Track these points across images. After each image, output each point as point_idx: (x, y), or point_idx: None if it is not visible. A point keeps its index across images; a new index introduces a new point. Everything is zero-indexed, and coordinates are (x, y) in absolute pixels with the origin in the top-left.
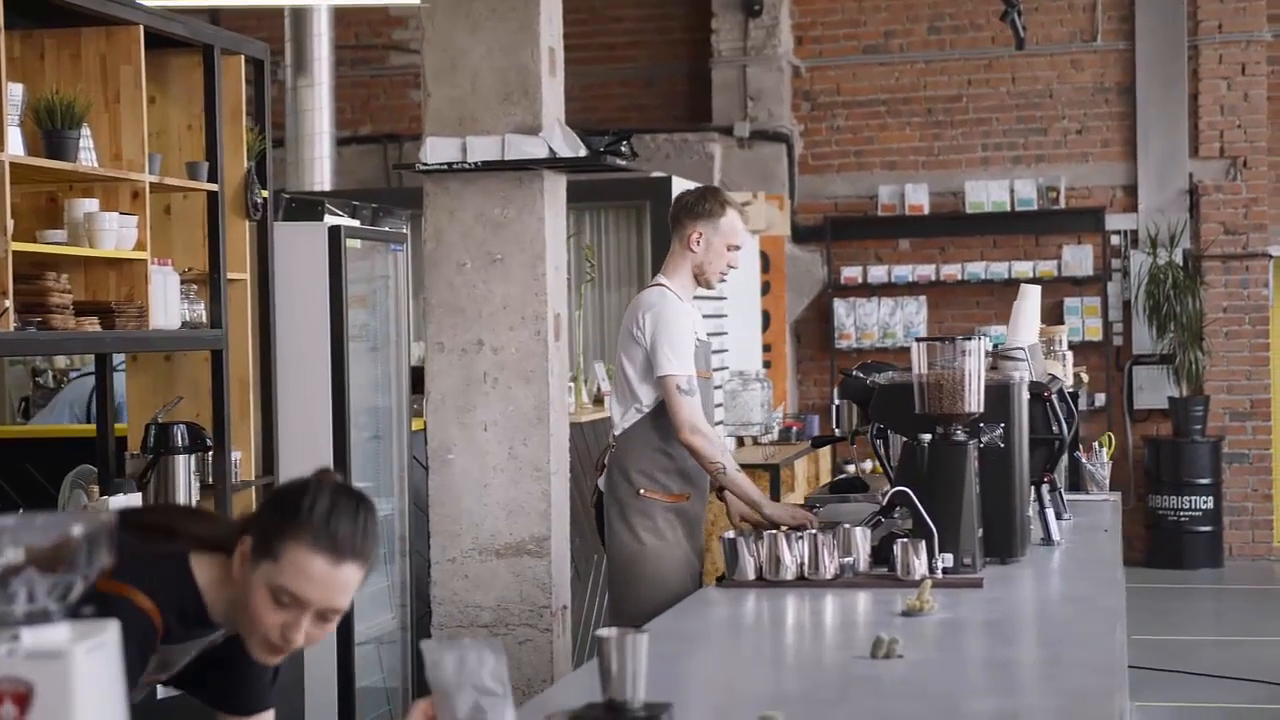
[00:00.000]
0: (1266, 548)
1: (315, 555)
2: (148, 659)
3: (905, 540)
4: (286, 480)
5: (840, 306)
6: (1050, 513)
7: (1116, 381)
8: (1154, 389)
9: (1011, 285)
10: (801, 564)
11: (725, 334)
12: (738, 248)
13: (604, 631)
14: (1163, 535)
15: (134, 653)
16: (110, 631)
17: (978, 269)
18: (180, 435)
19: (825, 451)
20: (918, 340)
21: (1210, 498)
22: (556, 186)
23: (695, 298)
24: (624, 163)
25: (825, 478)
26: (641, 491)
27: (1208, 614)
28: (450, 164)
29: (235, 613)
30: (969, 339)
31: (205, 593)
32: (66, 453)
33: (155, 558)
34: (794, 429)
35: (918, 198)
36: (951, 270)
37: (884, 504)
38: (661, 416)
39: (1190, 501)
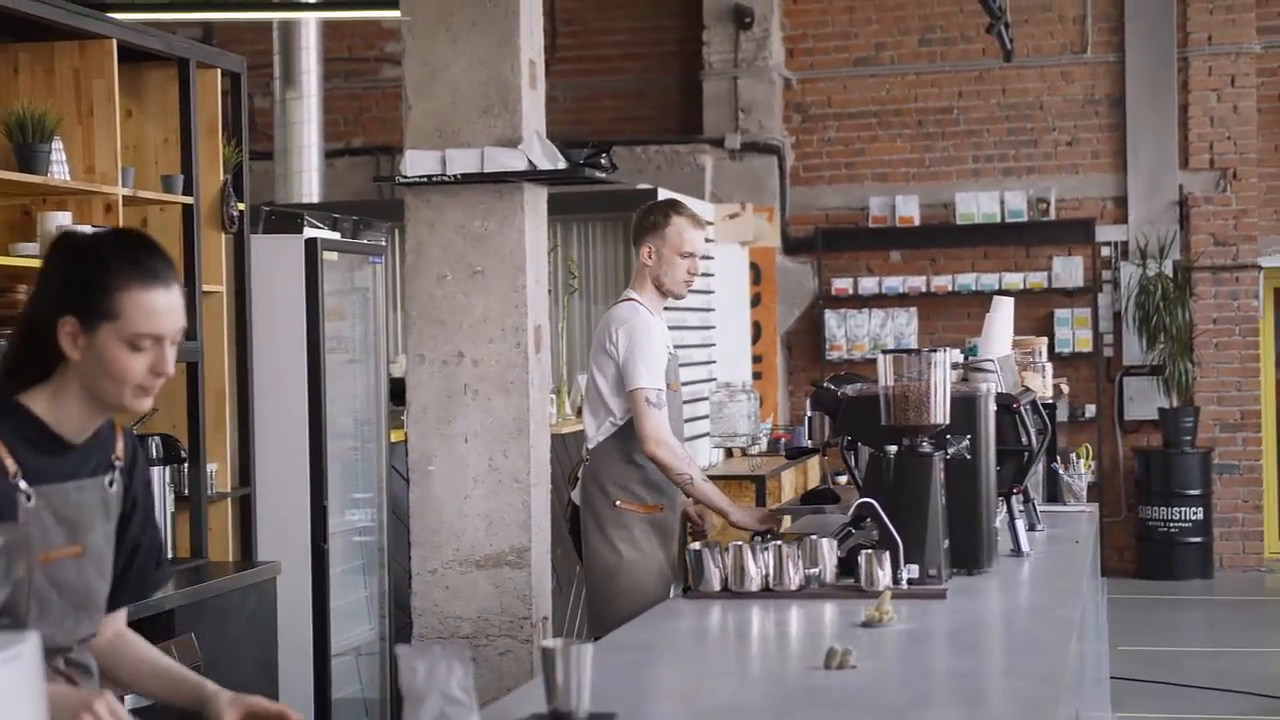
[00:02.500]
0: (1257, 559)
1: (148, 292)
2: (7, 487)
3: (870, 551)
4: (56, 255)
5: (831, 318)
6: (1020, 524)
7: (1107, 393)
8: (1144, 400)
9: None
10: (767, 575)
11: (714, 345)
12: (691, 255)
13: (549, 642)
14: (1153, 546)
15: None
16: (29, 643)
17: (968, 280)
18: (155, 447)
19: (814, 463)
20: (884, 352)
21: (1200, 509)
22: (537, 199)
23: (667, 308)
24: (603, 175)
25: None
26: (617, 504)
27: (1197, 625)
28: (430, 176)
29: (91, 395)
30: (935, 351)
31: (45, 417)
32: None
33: None
34: (783, 440)
35: (908, 209)
36: (942, 282)
37: (851, 515)
38: (634, 429)
39: (1180, 513)
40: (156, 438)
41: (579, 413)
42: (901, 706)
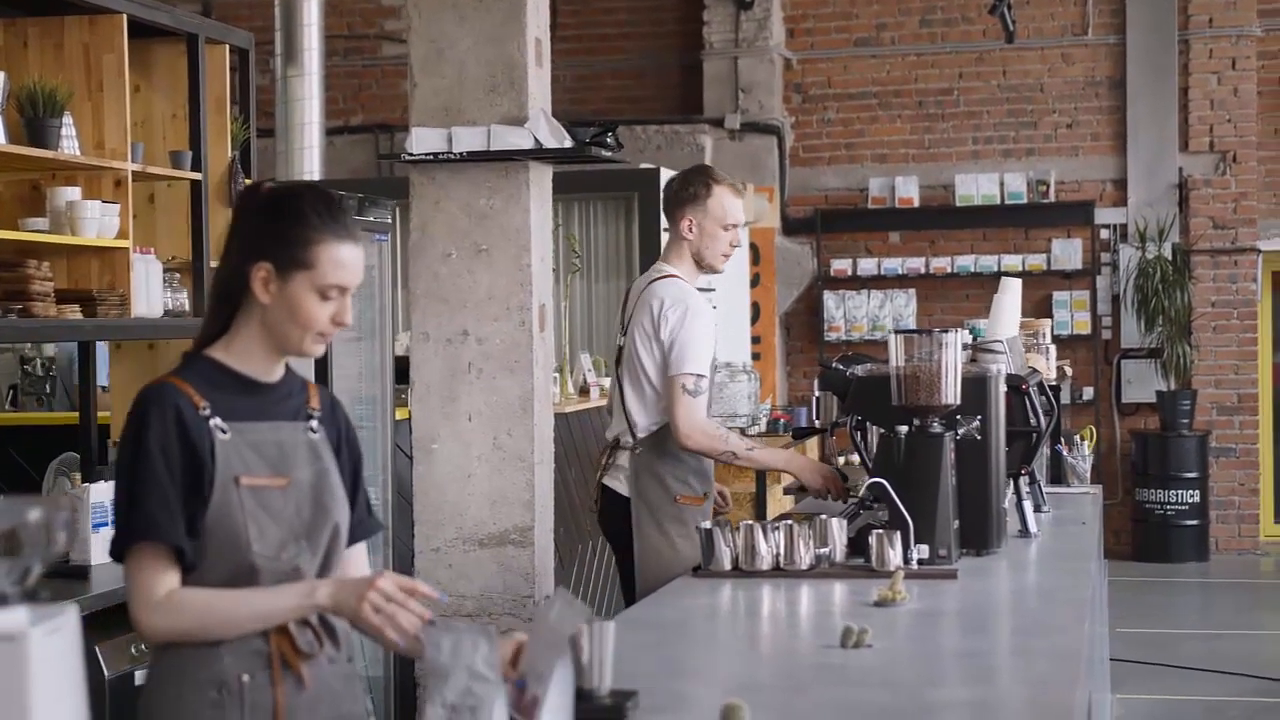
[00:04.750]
0: (1253, 542)
1: (341, 246)
2: (179, 409)
3: (881, 531)
4: (250, 207)
5: (830, 299)
6: (1028, 505)
7: (1105, 375)
8: (1142, 383)
9: (1000, 279)
10: (778, 554)
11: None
12: (735, 226)
13: None
14: (1150, 529)
15: (161, 415)
16: (68, 616)
17: (967, 262)
18: None
19: (814, 443)
20: (895, 332)
21: (1197, 492)
22: (542, 177)
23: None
24: (609, 154)
25: None
26: (678, 498)
27: (1193, 607)
28: (436, 154)
29: (272, 338)
30: (946, 332)
31: (226, 362)
32: (52, 440)
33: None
34: (782, 421)
35: (908, 190)
36: (941, 263)
37: (861, 495)
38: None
39: (1177, 495)
40: None
41: (582, 392)
42: (920, 685)
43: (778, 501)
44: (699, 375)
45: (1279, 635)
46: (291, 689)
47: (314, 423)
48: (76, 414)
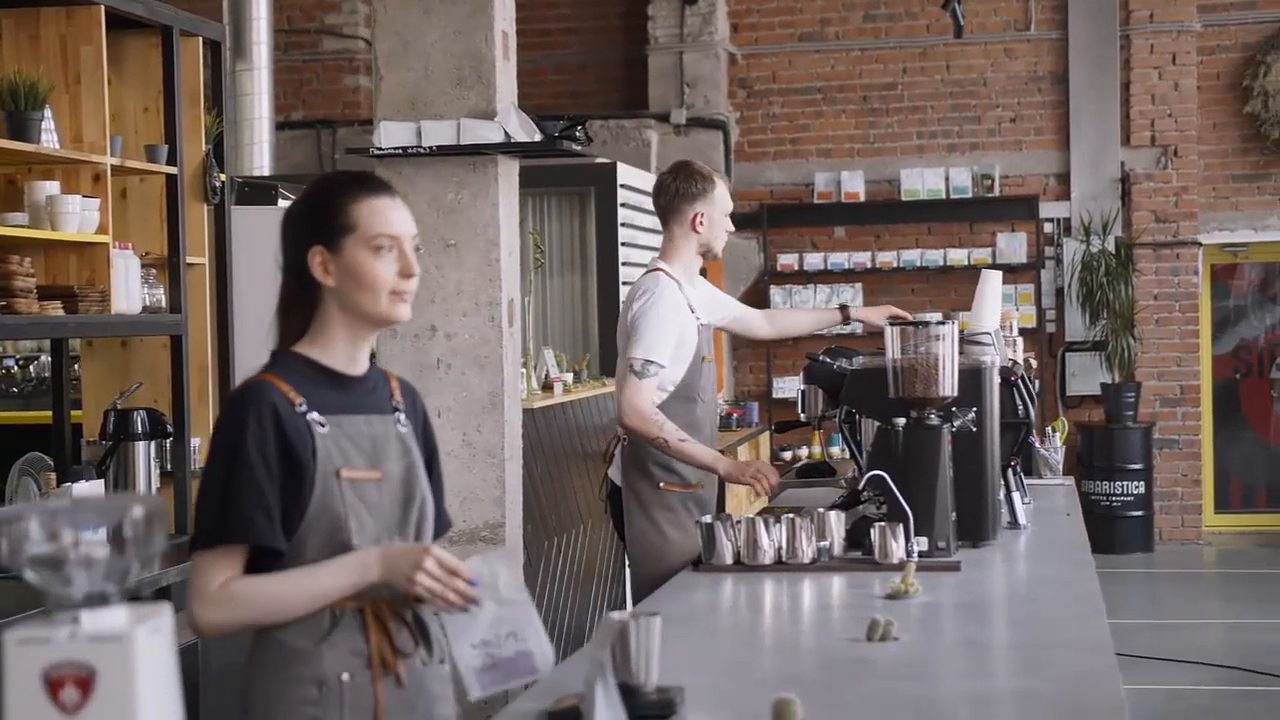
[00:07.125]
0: (1196, 532)
1: (375, 199)
2: (276, 406)
3: (883, 524)
4: (289, 209)
5: (777, 294)
6: (1017, 496)
7: (1050, 368)
8: (1086, 375)
9: (946, 272)
10: (780, 548)
11: None
12: (729, 212)
13: (618, 614)
14: (1095, 520)
15: (258, 415)
16: (165, 615)
17: (913, 256)
18: (140, 421)
19: (764, 438)
20: (891, 324)
21: (1141, 483)
22: (510, 171)
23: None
24: (579, 148)
25: None
26: (661, 485)
27: (1140, 597)
28: (404, 148)
29: (351, 316)
30: (942, 323)
31: (313, 356)
32: (19, 440)
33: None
34: (734, 416)
35: (853, 185)
36: (887, 257)
37: (858, 488)
38: (672, 405)
39: (1122, 486)
40: (142, 412)
41: (546, 388)
42: (959, 677)
43: (735, 496)
44: (648, 360)
45: (1228, 624)
46: (391, 688)
47: (402, 415)
48: (45, 412)
